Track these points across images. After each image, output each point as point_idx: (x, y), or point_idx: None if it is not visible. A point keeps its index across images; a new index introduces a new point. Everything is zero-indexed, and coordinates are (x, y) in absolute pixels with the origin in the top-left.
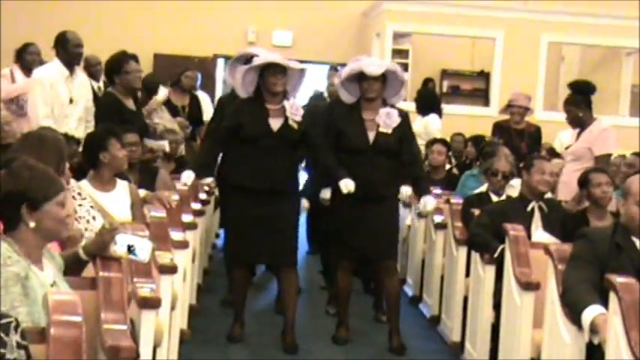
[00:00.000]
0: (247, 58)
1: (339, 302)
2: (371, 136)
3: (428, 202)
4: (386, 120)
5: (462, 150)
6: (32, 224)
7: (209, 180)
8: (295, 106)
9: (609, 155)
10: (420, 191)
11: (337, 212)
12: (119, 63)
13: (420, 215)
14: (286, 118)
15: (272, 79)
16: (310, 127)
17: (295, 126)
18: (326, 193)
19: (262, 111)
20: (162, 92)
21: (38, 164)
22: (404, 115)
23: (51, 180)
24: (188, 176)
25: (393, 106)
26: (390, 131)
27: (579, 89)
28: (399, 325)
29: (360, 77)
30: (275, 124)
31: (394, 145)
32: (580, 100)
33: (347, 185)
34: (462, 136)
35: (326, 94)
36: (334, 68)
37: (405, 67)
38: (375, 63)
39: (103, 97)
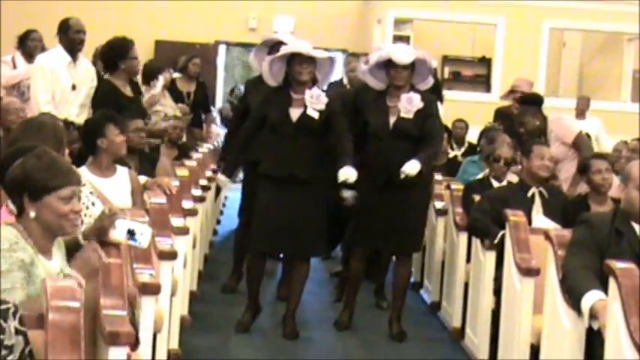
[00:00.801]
0: (272, 45)
1: (349, 287)
2: (391, 121)
3: (408, 166)
4: (406, 105)
5: (463, 136)
6: (32, 214)
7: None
8: (316, 95)
9: (580, 133)
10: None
11: (361, 199)
12: (125, 48)
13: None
14: (305, 108)
15: (298, 68)
16: (334, 114)
17: (315, 115)
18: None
19: (285, 100)
20: (161, 80)
21: (51, 155)
22: (427, 99)
23: (56, 172)
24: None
25: (417, 91)
26: (411, 116)
27: (531, 101)
28: (401, 312)
29: (387, 64)
30: (295, 113)
31: (414, 129)
32: (535, 110)
33: (345, 174)
34: (463, 122)
35: (345, 81)
36: (352, 55)
37: None
38: (404, 51)
39: (100, 84)
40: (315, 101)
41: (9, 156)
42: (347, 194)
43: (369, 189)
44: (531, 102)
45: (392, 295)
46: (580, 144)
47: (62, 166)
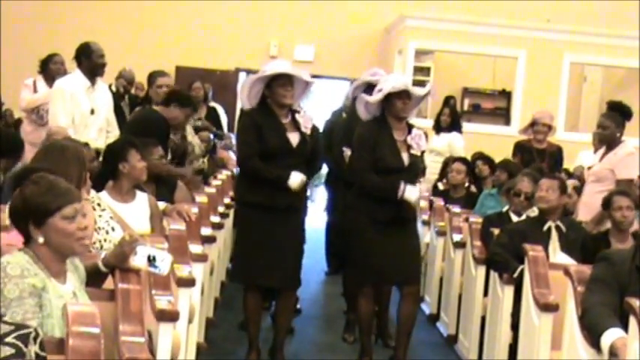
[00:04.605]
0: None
1: (361, 330)
2: (405, 157)
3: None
4: (418, 142)
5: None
6: (40, 239)
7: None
8: (306, 118)
9: (631, 180)
10: None
11: (362, 235)
12: (151, 78)
13: None
14: (302, 133)
15: (281, 90)
16: (316, 140)
17: (309, 140)
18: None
19: (279, 126)
20: None
21: (48, 178)
22: (426, 137)
23: (56, 194)
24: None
25: (418, 127)
26: (419, 153)
27: (622, 110)
28: (406, 352)
29: (391, 95)
30: (293, 139)
31: (420, 167)
32: (620, 122)
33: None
34: (483, 155)
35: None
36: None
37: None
38: (405, 80)
39: (153, 114)
40: (306, 124)
41: (18, 177)
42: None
43: (372, 224)
44: (620, 110)
45: (398, 331)
46: (621, 185)
47: (60, 186)
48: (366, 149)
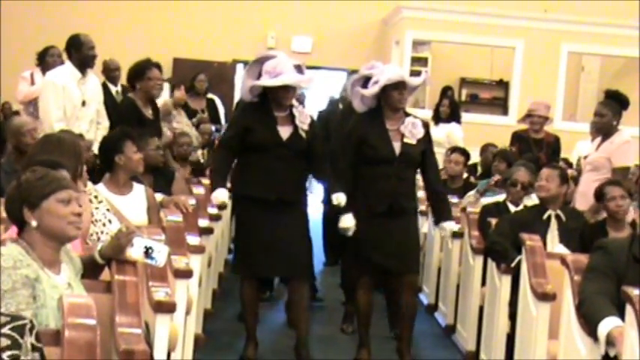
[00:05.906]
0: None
1: (359, 322)
2: (396, 146)
3: (448, 228)
4: (412, 130)
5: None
6: (34, 223)
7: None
8: (304, 114)
9: (628, 168)
10: (443, 215)
11: (358, 226)
12: (142, 69)
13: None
14: (296, 127)
15: (283, 91)
16: (314, 138)
17: (304, 135)
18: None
19: (270, 119)
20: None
21: (44, 169)
22: (427, 126)
23: (51, 179)
24: (222, 194)
25: (415, 116)
26: (414, 142)
27: (619, 99)
28: (410, 342)
29: (387, 86)
30: (284, 132)
31: (418, 156)
32: (617, 110)
33: (338, 198)
34: (494, 147)
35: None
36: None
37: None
38: (400, 71)
39: (123, 101)
40: (303, 120)
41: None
42: (348, 223)
43: (368, 217)
44: (617, 98)
45: (401, 321)
46: (617, 173)
47: (55, 174)
48: (349, 145)
